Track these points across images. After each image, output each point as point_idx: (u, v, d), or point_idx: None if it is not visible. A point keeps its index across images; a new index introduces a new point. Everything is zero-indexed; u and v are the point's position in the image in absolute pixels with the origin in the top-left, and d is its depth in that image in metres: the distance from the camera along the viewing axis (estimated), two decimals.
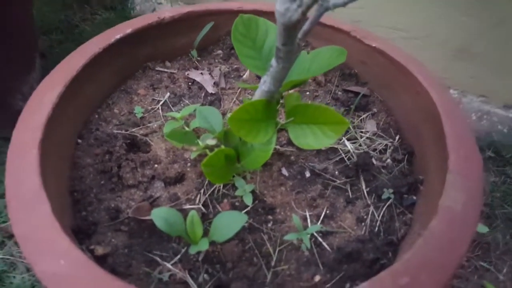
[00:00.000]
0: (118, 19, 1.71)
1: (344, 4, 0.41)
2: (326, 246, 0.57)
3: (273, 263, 0.55)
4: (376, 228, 0.60)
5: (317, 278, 0.54)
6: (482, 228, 0.99)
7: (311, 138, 0.54)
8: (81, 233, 0.54)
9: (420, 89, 0.67)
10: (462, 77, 1.37)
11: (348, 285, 0.53)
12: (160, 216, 0.50)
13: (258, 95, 0.53)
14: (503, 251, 1.04)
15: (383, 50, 0.74)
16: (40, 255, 0.42)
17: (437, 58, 1.36)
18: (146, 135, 0.68)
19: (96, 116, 0.70)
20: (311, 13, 0.43)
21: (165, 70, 0.81)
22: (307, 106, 0.53)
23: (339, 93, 0.79)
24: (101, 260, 0.52)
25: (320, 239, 0.58)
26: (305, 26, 0.43)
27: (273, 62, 0.47)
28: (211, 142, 0.60)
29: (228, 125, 0.51)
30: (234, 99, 0.78)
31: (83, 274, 0.41)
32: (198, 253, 0.54)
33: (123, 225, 0.56)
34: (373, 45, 0.75)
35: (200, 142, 0.61)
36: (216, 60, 0.86)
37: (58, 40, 1.65)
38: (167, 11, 0.79)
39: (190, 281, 0.52)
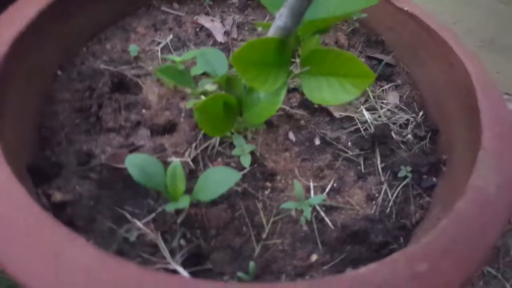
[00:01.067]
0: None
1: None
2: (328, 222, 0.49)
3: (264, 235, 0.47)
4: (388, 209, 0.52)
5: (314, 257, 0.46)
6: None
7: (327, 92, 0.45)
8: (40, 175, 0.45)
9: (454, 60, 0.59)
10: (487, 71, 1.28)
11: (349, 269, 0.45)
12: (136, 163, 0.42)
13: (272, 32, 0.45)
14: None
15: (416, 14, 0.65)
16: None
17: None
18: (138, 76, 0.60)
19: (84, 49, 0.62)
20: None
21: (172, 11, 0.73)
22: (327, 51, 0.44)
23: (362, 59, 0.70)
24: (58, 209, 0.44)
25: (322, 213, 0.50)
26: None
27: None
28: (211, 87, 0.51)
29: (234, 72, 0.43)
30: None
31: (20, 216, 0.32)
32: (177, 213, 0.46)
33: (93, 172, 0.48)
34: (405, 8, 0.66)
35: (198, 87, 0.52)
36: (231, 9, 0.77)
37: None
38: None
39: (162, 244, 0.43)
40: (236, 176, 0.43)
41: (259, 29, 0.72)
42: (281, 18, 0.42)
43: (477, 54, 1.23)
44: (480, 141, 0.46)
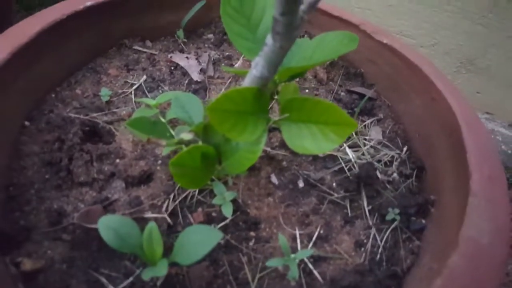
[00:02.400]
0: None
1: None
2: (317, 275, 0.46)
3: None
4: (378, 256, 0.50)
5: None
6: None
7: (308, 140, 0.43)
8: (8, 241, 0.42)
9: (436, 95, 0.58)
10: (467, 92, 1.29)
11: None
12: (109, 226, 0.39)
13: (248, 81, 0.43)
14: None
15: (395, 47, 0.64)
16: None
17: (443, 69, 1.27)
18: (110, 122, 0.57)
19: (53, 95, 0.59)
20: None
21: (145, 50, 0.70)
22: (306, 100, 0.42)
23: (342, 93, 0.69)
24: (29, 278, 0.40)
25: (310, 265, 0.47)
26: None
27: (269, 39, 0.37)
28: (187, 136, 0.48)
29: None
30: (223, 90, 0.67)
31: None
32: (157, 277, 0.43)
33: (65, 232, 0.45)
34: (384, 41, 0.65)
35: (173, 135, 0.50)
36: (206, 45, 0.75)
37: None
38: None
39: None
40: (217, 236, 0.40)
41: (236, 65, 0.70)
42: (257, 68, 0.40)
43: (457, 75, 1.24)
44: (469, 185, 0.45)
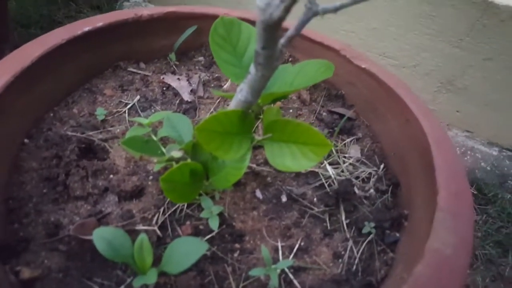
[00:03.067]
0: None
1: (335, 10, 0.35)
2: (297, 284, 0.50)
3: None
4: (354, 267, 0.53)
5: None
6: None
7: (288, 159, 0.47)
8: (8, 250, 0.45)
9: (409, 116, 0.62)
10: (448, 110, 1.34)
11: None
12: (103, 237, 0.42)
13: (233, 104, 0.47)
14: None
15: (373, 72, 0.69)
16: None
17: (424, 88, 1.33)
18: (105, 140, 0.61)
19: (51, 114, 0.62)
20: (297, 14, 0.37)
21: (139, 71, 0.74)
22: (287, 122, 0.46)
23: (324, 113, 0.73)
24: (27, 286, 0.43)
25: (291, 275, 0.51)
26: (290, 31, 0.37)
27: (252, 68, 0.41)
28: (177, 154, 0.52)
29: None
30: (212, 109, 0.71)
31: None
32: (146, 285, 0.46)
33: (61, 243, 0.48)
34: (363, 66, 0.70)
35: (164, 153, 0.53)
36: (197, 67, 0.79)
37: (36, 35, 1.56)
38: (146, 9, 0.72)
39: None
40: (203, 247, 0.44)
41: (225, 86, 0.74)
42: (241, 93, 0.44)
43: (437, 95, 1.30)
44: (436, 201, 0.49)
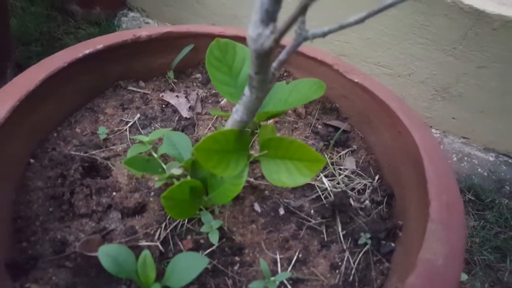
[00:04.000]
0: (102, 35, 1.68)
1: (323, 35, 0.37)
2: None
3: None
4: (351, 277, 0.55)
5: None
6: (462, 276, 0.94)
7: (284, 175, 0.49)
8: (17, 268, 0.47)
9: (401, 128, 0.64)
10: (444, 117, 1.37)
11: None
12: (108, 254, 0.44)
13: (230, 124, 0.49)
14: None
15: (365, 85, 0.71)
16: None
17: (419, 96, 1.36)
18: (108, 158, 0.63)
19: (55, 134, 0.64)
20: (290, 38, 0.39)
21: (138, 90, 0.77)
22: (281, 140, 0.48)
23: (319, 126, 0.75)
24: None
25: (290, 287, 0.52)
26: (281, 56, 0.39)
27: (246, 91, 0.43)
28: (177, 171, 0.54)
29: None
30: (210, 125, 0.73)
31: None
32: None
33: (68, 260, 0.50)
34: (355, 80, 0.72)
35: (165, 170, 0.55)
36: (194, 84, 0.81)
37: (37, 52, 1.60)
38: (144, 30, 0.74)
39: None
40: (203, 262, 0.46)
41: (222, 102, 0.77)
42: (237, 113, 0.46)
43: (433, 102, 1.32)
44: (428, 212, 0.51)
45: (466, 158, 1.35)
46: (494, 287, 1.03)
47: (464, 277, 0.92)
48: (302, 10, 0.28)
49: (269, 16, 0.32)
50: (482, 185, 1.26)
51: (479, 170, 1.32)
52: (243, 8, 1.45)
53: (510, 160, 1.33)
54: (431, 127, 1.41)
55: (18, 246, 0.50)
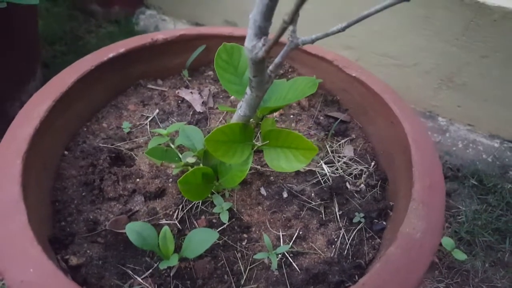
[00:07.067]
0: (121, 32, 1.76)
1: (312, 42, 0.44)
2: (295, 266, 0.59)
3: (242, 281, 0.58)
4: (346, 251, 0.62)
5: None
6: (461, 255, 1.00)
7: (283, 161, 0.56)
8: (58, 243, 0.56)
9: (393, 119, 0.70)
10: (449, 106, 1.41)
11: None
12: (134, 230, 0.53)
13: (235, 118, 0.56)
14: (481, 279, 1.06)
15: (362, 79, 0.77)
16: (11, 262, 0.44)
17: (425, 86, 1.40)
18: (131, 149, 0.71)
19: (85, 129, 0.73)
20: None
21: (157, 87, 0.85)
22: (280, 131, 0.56)
23: (321, 118, 0.82)
24: (75, 271, 0.54)
25: (290, 259, 0.60)
26: (277, 59, 0.46)
27: (247, 90, 0.51)
28: (191, 160, 0.62)
29: None
30: (221, 118, 0.81)
31: (50, 283, 0.43)
32: (170, 268, 0.57)
33: (99, 237, 0.59)
34: (353, 74, 0.78)
35: (181, 158, 0.63)
36: (207, 81, 0.89)
37: (62, 51, 1.70)
38: (161, 34, 0.82)
39: None
40: (214, 235, 0.54)
41: (232, 97, 0.84)
42: (241, 109, 0.54)
43: (439, 91, 1.36)
44: (411, 192, 0.58)
45: (471, 145, 1.39)
46: (495, 267, 1.08)
47: (463, 256, 0.98)
48: (282, 32, 0.35)
49: (261, 31, 0.40)
50: (486, 171, 1.31)
51: (484, 156, 1.36)
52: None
53: None
54: (437, 115, 1.46)
55: (58, 225, 0.59)
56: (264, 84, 0.48)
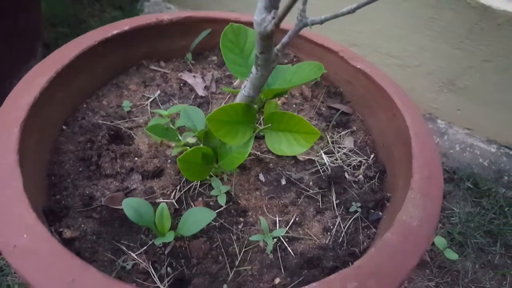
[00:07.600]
0: (125, 18, 1.76)
1: (321, 22, 0.44)
2: (290, 251, 0.59)
3: (237, 263, 0.57)
4: (340, 239, 0.62)
5: (277, 280, 0.56)
6: (453, 255, 1.00)
7: (285, 145, 0.56)
8: (52, 215, 0.55)
9: (396, 112, 0.70)
10: (449, 109, 1.41)
11: None
12: (131, 205, 0.52)
13: (238, 99, 0.56)
14: (471, 280, 1.06)
15: (366, 71, 0.77)
16: (4, 227, 0.44)
17: (426, 87, 1.40)
18: (131, 128, 0.71)
19: (85, 105, 0.72)
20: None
21: (159, 69, 0.84)
22: (283, 114, 0.55)
23: (323, 109, 0.82)
24: (68, 243, 0.53)
25: (285, 244, 0.60)
26: (284, 39, 0.46)
27: (253, 69, 0.50)
28: (191, 140, 0.62)
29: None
30: (223, 103, 0.80)
31: (43, 249, 0.42)
32: (165, 246, 0.56)
33: (95, 212, 0.58)
34: (358, 66, 0.78)
35: (181, 139, 0.63)
36: (210, 65, 0.89)
37: (64, 33, 1.68)
38: (167, 14, 0.82)
39: (152, 272, 0.53)
40: (211, 215, 0.53)
41: (234, 83, 0.84)
42: (245, 89, 0.54)
43: (440, 93, 1.37)
44: (410, 182, 0.57)
45: (468, 149, 1.39)
46: (484, 268, 1.08)
47: (455, 256, 0.98)
48: (293, 3, 0.35)
49: (272, 4, 0.39)
50: (482, 175, 1.31)
51: (480, 160, 1.37)
52: None
53: (511, 152, 1.37)
54: (437, 117, 1.46)
55: (53, 198, 0.59)
56: (271, 62, 0.48)
